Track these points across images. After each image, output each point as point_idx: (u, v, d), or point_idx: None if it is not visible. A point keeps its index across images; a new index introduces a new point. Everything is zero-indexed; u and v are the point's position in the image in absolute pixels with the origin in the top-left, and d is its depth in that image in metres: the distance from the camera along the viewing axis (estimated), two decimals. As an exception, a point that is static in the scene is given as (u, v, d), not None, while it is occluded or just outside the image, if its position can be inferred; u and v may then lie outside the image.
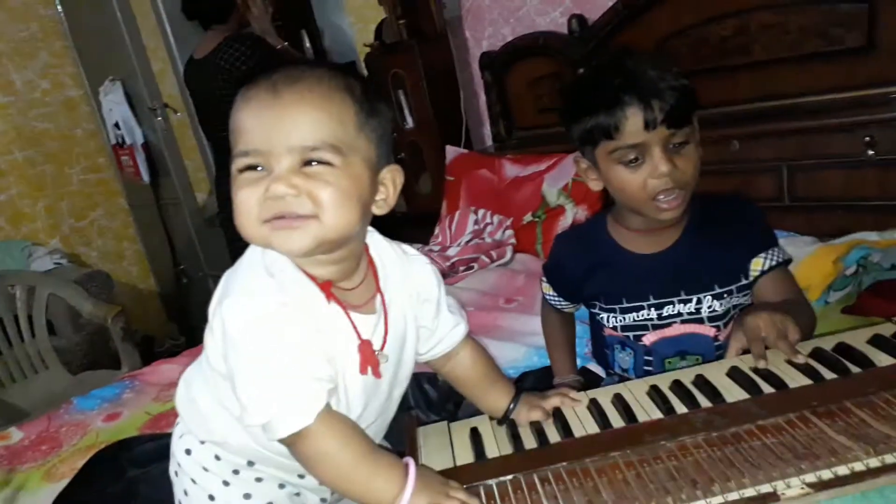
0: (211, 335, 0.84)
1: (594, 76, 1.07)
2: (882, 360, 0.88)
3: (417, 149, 2.81)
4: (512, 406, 0.96)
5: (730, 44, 1.95)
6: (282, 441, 0.78)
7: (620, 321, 1.16)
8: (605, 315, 1.18)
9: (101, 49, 3.75)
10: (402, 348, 0.92)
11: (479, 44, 2.74)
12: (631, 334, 1.16)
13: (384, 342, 0.88)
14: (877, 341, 0.92)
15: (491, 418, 0.98)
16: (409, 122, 2.77)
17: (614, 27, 2.19)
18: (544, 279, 1.30)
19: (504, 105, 2.65)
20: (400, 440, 1.09)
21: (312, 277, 0.81)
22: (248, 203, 0.76)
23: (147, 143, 3.82)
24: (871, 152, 1.66)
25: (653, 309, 1.13)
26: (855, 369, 0.87)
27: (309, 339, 0.78)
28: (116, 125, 3.77)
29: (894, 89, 1.70)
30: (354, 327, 0.84)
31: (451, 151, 2.66)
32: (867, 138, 1.65)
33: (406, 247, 0.96)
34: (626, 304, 1.15)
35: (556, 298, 1.29)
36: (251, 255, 0.83)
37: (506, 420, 0.95)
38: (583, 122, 1.05)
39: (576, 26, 2.30)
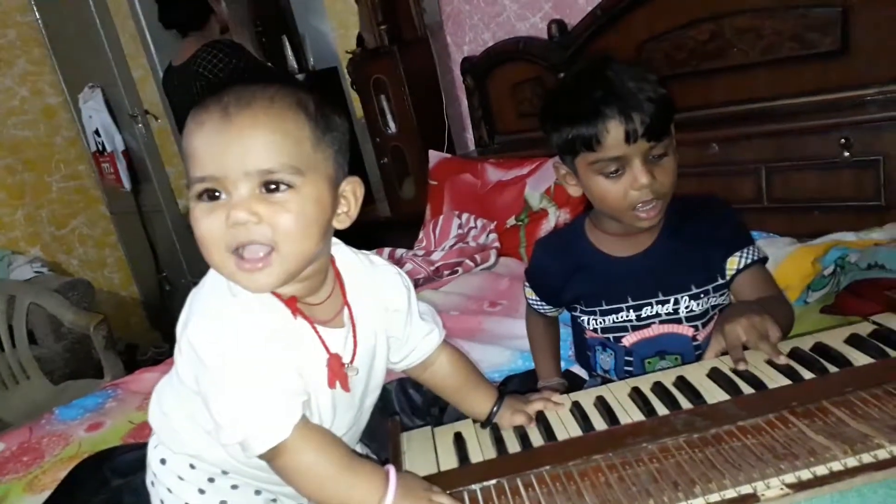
0: (180, 355, 0.84)
1: (574, 85, 1.07)
2: (859, 359, 0.89)
3: (400, 154, 2.81)
4: (495, 410, 0.96)
5: (707, 48, 1.98)
6: (260, 457, 0.78)
7: (601, 323, 1.17)
8: (585, 318, 1.19)
9: (80, 56, 3.73)
10: (372, 360, 0.92)
11: (460, 49, 2.75)
12: (611, 336, 1.17)
13: (353, 355, 0.87)
14: (854, 341, 0.93)
15: (474, 422, 0.98)
16: (392, 128, 2.78)
17: (593, 32, 2.21)
18: (527, 284, 1.31)
19: (486, 110, 2.66)
20: (384, 446, 1.09)
21: (277, 294, 0.80)
22: (212, 233, 0.74)
23: (128, 149, 3.80)
24: (846, 154, 1.68)
25: (631, 310, 1.14)
26: (833, 369, 0.88)
27: (278, 355, 0.77)
28: (96, 132, 3.74)
29: (868, 92, 1.73)
30: (322, 342, 0.84)
31: (434, 156, 2.66)
32: (842, 140, 1.67)
33: (374, 257, 0.96)
34: (605, 307, 1.16)
35: (539, 303, 1.29)
36: (214, 274, 0.82)
37: (489, 424, 0.96)
38: (563, 131, 1.05)
39: (555, 31, 2.32)
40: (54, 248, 3.92)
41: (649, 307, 1.14)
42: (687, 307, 1.12)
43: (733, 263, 1.12)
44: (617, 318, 1.16)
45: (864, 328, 0.97)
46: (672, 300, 1.13)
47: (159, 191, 3.81)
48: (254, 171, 0.72)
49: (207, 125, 0.74)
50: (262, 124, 0.73)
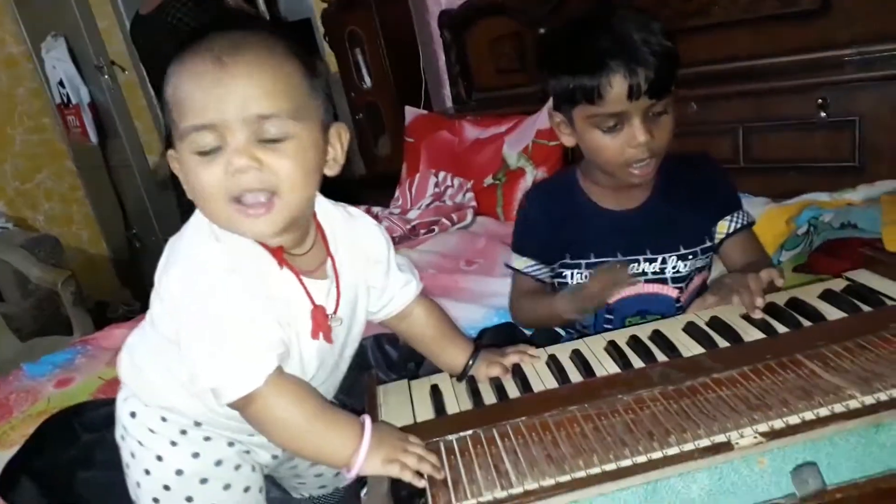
0: (159, 301, 0.83)
1: (578, 32, 1.03)
2: (832, 314, 0.90)
3: (376, 109, 2.76)
4: (471, 363, 0.96)
5: (689, 6, 1.95)
6: (231, 405, 0.78)
7: (584, 278, 1.16)
8: (569, 272, 1.18)
9: (42, 3, 3.58)
10: (353, 310, 0.92)
11: (437, 1, 2.68)
12: None
13: (337, 306, 0.88)
14: (827, 296, 0.95)
15: (451, 375, 0.98)
16: (367, 82, 2.72)
17: (574, -13, 2.17)
18: (516, 257, 1.24)
19: (464, 65, 2.62)
20: (360, 400, 1.09)
21: (264, 244, 0.80)
22: (212, 184, 0.74)
23: (94, 102, 3.68)
24: (823, 114, 1.68)
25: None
26: (806, 323, 0.89)
27: (259, 304, 0.77)
28: (61, 83, 3.62)
29: (847, 52, 1.72)
30: (307, 292, 0.84)
31: (411, 112, 2.62)
32: (820, 100, 1.68)
33: (351, 208, 0.95)
34: (592, 259, 1.15)
35: (535, 266, 1.22)
36: (197, 219, 0.81)
37: (465, 377, 0.96)
38: (563, 79, 1.03)
39: (536, -15, 2.27)
40: (19, 203, 3.82)
41: (636, 264, 1.13)
42: (674, 267, 1.12)
43: (723, 228, 1.12)
44: None
45: (838, 284, 0.98)
46: (660, 259, 1.12)
47: (128, 145, 3.70)
48: (253, 115, 0.72)
49: (200, 72, 0.72)
50: (257, 70, 0.72)
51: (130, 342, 0.97)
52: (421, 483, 0.72)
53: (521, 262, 1.22)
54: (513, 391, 0.89)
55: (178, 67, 0.74)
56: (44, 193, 3.94)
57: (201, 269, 0.77)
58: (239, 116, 0.71)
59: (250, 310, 0.77)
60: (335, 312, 0.87)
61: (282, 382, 0.78)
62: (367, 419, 0.80)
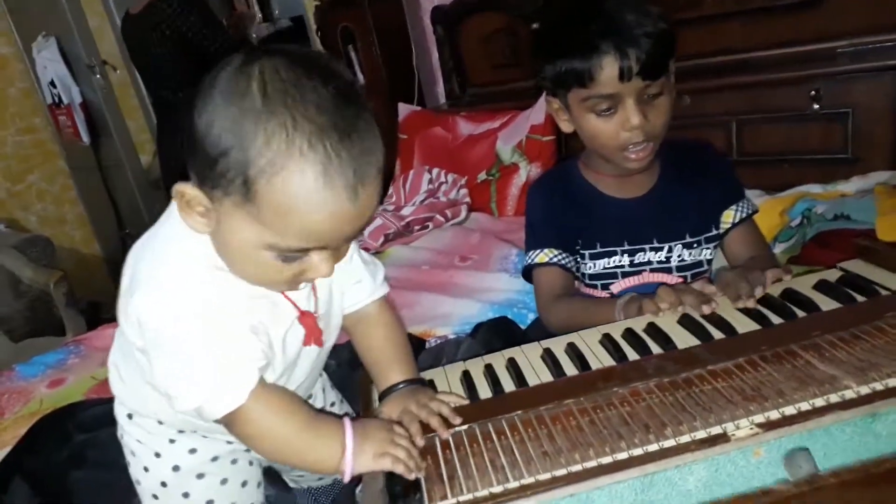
0: (126, 319, 0.79)
1: (570, 14, 1.02)
2: (827, 304, 0.90)
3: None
4: (401, 385, 0.89)
5: (681, -2, 1.95)
6: (217, 421, 0.77)
7: (590, 269, 1.15)
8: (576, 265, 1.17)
9: (33, 3, 3.56)
10: (330, 302, 0.90)
11: (430, -3, 2.68)
12: (599, 283, 1.16)
13: (316, 301, 0.86)
14: (822, 287, 0.94)
15: (447, 369, 0.96)
16: (360, 79, 2.71)
17: (566, -19, 2.16)
18: (536, 252, 1.16)
19: (457, 61, 2.61)
20: (354, 397, 1.08)
21: None
22: (278, 282, 0.75)
23: (85, 102, 3.66)
24: (816, 106, 1.68)
25: (626, 255, 1.13)
26: (801, 314, 0.89)
27: (238, 318, 0.76)
28: (52, 83, 3.60)
29: (840, 44, 1.72)
30: (290, 300, 0.82)
31: (404, 109, 2.61)
32: (813, 92, 1.68)
33: None
34: (599, 249, 1.14)
35: (561, 255, 1.15)
36: (169, 234, 0.78)
37: (380, 399, 0.90)
38: (556, 64, 1.02)
39: (528, -21, 2.27)
40: (11, 204, 3.80)
41: (643, 253, 1.12)
42: (679, 256, 1.12)
43: (728, 217, 1.12)
44: (609, 263, 1.14)
45: (832, 275, 0.98)
46: (666, 248, 1.12)
47: (120, 145, 3.69)
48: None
49: (335, 209, 0.66)
50: (376, 193, 0.71)
51: (113, 357, 0.95)
52: (412, 476, 0.72)
53: (544, 256, 1.15)
54: (508, 385, 0.89)
55: (315, 198, 0.66)
56: (36, 194, 3.92)
57: (172, 294, 0.73)
58: (350, 237, 0.73)
59: (228, 326, 0.74)
60: (316, 311, 0.86)
61: (266, 396, 0.76)
62: (347, 420, 0.79)
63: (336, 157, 0.65)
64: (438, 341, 1.46)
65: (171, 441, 0.93)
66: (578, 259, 1.16)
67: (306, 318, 0.83)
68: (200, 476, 0.94)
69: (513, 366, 0.92)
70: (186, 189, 0.70)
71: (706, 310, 0.91)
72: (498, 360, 0.95)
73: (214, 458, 0.95)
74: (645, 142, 1.01)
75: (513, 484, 0.67)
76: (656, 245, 1.12)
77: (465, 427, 0.78)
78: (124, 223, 3.88)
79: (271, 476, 1.13)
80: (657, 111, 1.01)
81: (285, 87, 0.65)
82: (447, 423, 0.78)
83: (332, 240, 0.71)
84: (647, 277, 1.13)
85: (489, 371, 0.92)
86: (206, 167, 0.66)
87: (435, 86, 2.82)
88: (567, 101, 1.06)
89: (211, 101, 0.66)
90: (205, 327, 0.73)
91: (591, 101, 1.01)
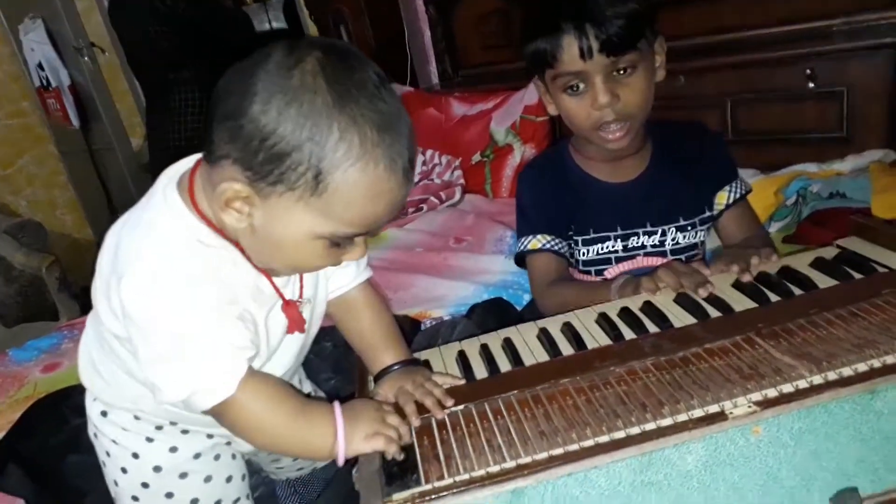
0: (105, 300, 0.77)
1: None
2: (824, 282, 0.90)
3: (362, 88, 2.73)
4: (395, 367, 0.89)
5: (676, -24, 1.93)
6: (205, 413, 0.75)
7: (584, 255, 1.15)
8: (569, 251, 1.17)
9: (18, -16, 3.51)
10: (316, 287, 0.89)
11: (422, -23, 2.65)
12: (593, 269, 1.15)
13: (301, 288, 0.85)
14: (819, 264, 0.94)
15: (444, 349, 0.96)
16: (353, 60, 2.69)
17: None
18: (528, 238, 1.17)
19: (450, 42, 2.58)
20: (349, 379, 1.08)
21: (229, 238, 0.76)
22: (318, 265, 0.78)
23: (74, 85, 3.62)
24: (811, 85, 1.68)
25: (619, 240, 1.13)
26: (798, 292, 0.88)
27: (224, 307, 0.74)
28: (40, 66, 3.55)
29: (835, 22, 1.71)
30: (273, 284, 0.81)
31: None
32: (808, 71, 1.67)
33: None
34: (592, 235, 1.13)
35: (553, 241, 1.15)
36: (154, 217, 0.76)
37: (375, 381, 0.90)
38: (528, 46, 1.03)
39: (521, -42, 2.24)
40: (1, 188, 3.76)
41: (636, 237, 1.12)
42: (673, 239, 1.11)
43: (722, 198, 1.12)
44: (603, 248, 1.13)
45: (829, 252, 0.97)
46: (660, 231, 1.11)
47: (110, 128, 3.65)
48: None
49: (392, 192, 0.70)
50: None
51: (86, 344, 0.92)
52: (401, 455, 0.71)
53: (537, 242, 1.15)
54: (504, 365, 0.88)
55: (377, 182, 0.68)
56: (26, 178, 3.88)
57: (159, 280, 0.71)
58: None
59: (215, 315, 0.73)
60: (301, 296, 0.85)
61: (256, 385, 0.75)
62: (337, 407, 0.78)
63: (397, 144, 0.69)
64: (434, 322, 1.46)
65: (149, 440, 0.90)
66: (571, 245, 1.16)
67: (290, 307, 0.83)
68: (183, 475, 0.91)
69: (509, 346, 0.92)
70: (237, 187, 0.68)
71: (703, 293, 0.91)
72: (494, 340, 0.95)
73: (197, 456, 0.92)
74: (618, 121, 1.01)
75: (510, 464, 0.66)
76: (650, 229, 1.12)
77: (461, 407, 0.78)
78: (116, 207, 3.85)
79: (250, 468, 1.12)
80: (629, 89, 1.00)
81: (343, 80, 0.66)
82: (441, 404, 0.78)
83: (383, 223, 0.73)
84: (641, 262, 1.13)
85: (485, 351, 0.92)
86: (270, 163, 0.66)
87: (427, 66, 2.80)
88: (546, 83, 1.06)
89: (272, 100, 0.65)
90: (193, 316, 0.72)
91: (562, 80, 1.02)
